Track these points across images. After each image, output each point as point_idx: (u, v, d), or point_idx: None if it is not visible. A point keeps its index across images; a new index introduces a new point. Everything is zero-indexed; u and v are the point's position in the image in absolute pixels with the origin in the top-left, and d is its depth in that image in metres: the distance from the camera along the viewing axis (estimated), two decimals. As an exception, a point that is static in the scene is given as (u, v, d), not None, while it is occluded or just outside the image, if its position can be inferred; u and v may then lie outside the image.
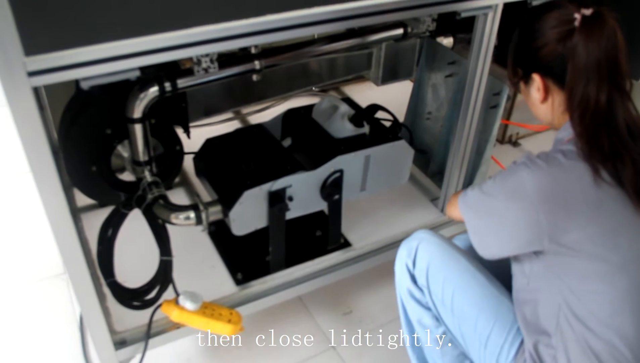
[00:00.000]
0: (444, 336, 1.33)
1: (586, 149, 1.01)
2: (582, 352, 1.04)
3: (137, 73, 1.06)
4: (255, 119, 2.34)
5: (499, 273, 1.27)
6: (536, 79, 1.11)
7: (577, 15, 1.03)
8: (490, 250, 1.14)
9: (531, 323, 1.12)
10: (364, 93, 2.58)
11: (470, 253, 1.28)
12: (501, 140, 2.34)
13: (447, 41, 1.95)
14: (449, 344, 1.34)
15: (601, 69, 1.02)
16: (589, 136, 1.02)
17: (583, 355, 1.04)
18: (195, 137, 1.70)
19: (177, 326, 1.45)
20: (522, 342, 1.16)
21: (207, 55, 1.19)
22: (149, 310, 1.41)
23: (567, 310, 1.05)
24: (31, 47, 0.94)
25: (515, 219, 1.05)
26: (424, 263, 1.30)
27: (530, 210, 1.02)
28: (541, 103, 1.14)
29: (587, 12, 1.03)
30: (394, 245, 1.75)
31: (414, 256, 1.32)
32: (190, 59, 1.17)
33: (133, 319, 1.43)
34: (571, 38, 1.03)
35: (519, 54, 1.16)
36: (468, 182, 1.86)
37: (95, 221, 1.47)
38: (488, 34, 1.51)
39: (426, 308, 1.33)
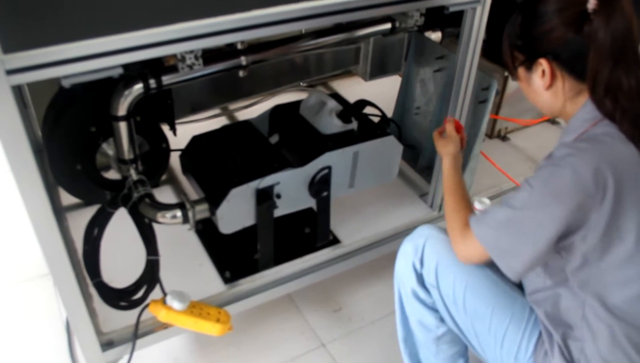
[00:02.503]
0: (443, 336, 1.32)
1: (629, 131, 0.99)
2: (612, 340, 1.03)
3: (120, 71, 1.04)
4: (242, 115, 2.33)
5: None
6: (543, 64, 1.06)
7: None
8: (523, 264, 1.04)
9: (554, 317, 1.11)
10: (352, 88, 2.56)
11: None
12: (490, 135, 2.33)
13: (436, 36, 1.94)
14: (445, 344, 1.33)
15: (626, 49, 0.98)
16: (631, 117, 0.99)
17: (613, 344, 1.03)
18: (182, 134, 1.68)
19: (165, 326, 1.43)
20: (539, 337, 1.14)
21: (191, 51, 1.17)
22: (136, 311, 1.40)
23: (593, 301, 1.04)
24: (9, 44, 0.92)
25: (568, 211, 0.98)
26: (432, 262, 1.25)
27: (591, 197, 0.96)
28: (546, 89, 1.09)
29: None
30: (384, 241, 1.74)
31: (421, 255, 1.27)
32: (174, 56, 1.15)
33: (120, 320, 1.42)
34: (588, 22, 0.98)
35: (521, 39, 1.09)
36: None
37: (81, 220, 1.45)
38: (477, 28, 1.50)
39: (430, 309, 1.30)
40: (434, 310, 1.29)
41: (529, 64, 1.09)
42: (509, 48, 1.13)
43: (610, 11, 0.97)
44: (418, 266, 1.28)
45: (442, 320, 1.30)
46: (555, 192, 0.98)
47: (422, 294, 1.29)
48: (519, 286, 1.22)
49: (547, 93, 1.09)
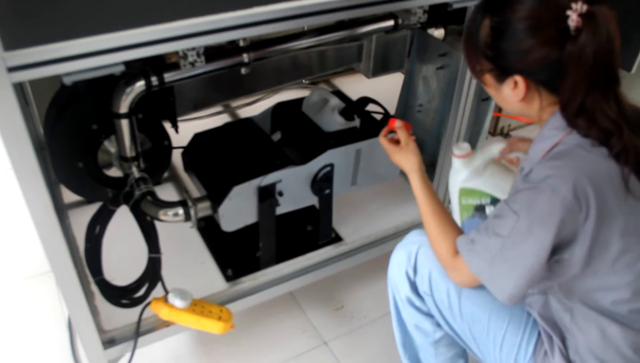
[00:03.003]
0: (441, 339, 1.31)
1: (601, 145, 0.96)
2: (604, 340, 1.03)
3: (122, 68, 1.04)
4: (244, 112, 2.32)
5: None
6: (518, 80, 1.01)
7: (571, 13, 0.92)
8: (520, 289, 1.01)
9: (548, 319, 1.10)
10: (355, 85, 2.56)
11: None
12: (493, 132, 2.33)
13: (438, 33, 1.93)
14: (444, 347, 1.32)
15: (605, 70, 0.94)
16: (602, 136, 0.95)
17: (605, 344, 1.03)
18: (184, 131, 1.68)
19: (166, 324, 1.43)
20: (538, 337, 1.13)
21: (193, 49, 1.16)
22: (138, 308, 1.40)
23: (580, 306, 1.04)
24: (10, 41, 0.91)
25: (556, 232, 0.95)
26: (425, 270, 1.23)
27: (573, 212, 0.94)
28: (519, 102, 1.04)
29: (581, 6, 0.92)
30: (386, 239, 1.74)
31: (414, 263, 1.25)
32: (176, 53, 1.15)
33: (122, 317, 1.42)
34: (570, 42, 0.93)
35: (492, 50, 1.02)
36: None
37: (82, 217, 1.44)
38: (480, 25, 1.49)
39: (426, 315, 1.28)
40: (430, 315, 1.28)
41: (500, 76, 1.04)
42: (473, 51, 1.05)
43: (595, 29, 0.92)
44: (411, 274, 1.26)
45: (438, 325, 1.29)
46: (540, 217, 0.95)
47: (417, 301, 1.28)
48: None
49: (519, 103, 1.05)
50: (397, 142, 1.31)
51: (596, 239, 0.96)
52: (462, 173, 1.34)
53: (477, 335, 1.20)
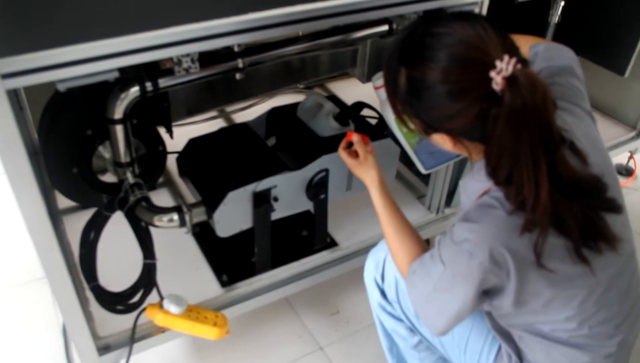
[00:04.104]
0: (419, 344, 1.32)
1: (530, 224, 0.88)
2: (549, 359, 1.04)
3: (116, 74, 1.03)
4: (239, 117, 2.32)
5: None
6: (443, 138, 0.95)
7: (494, 75, 0.81)
8: (447, 324, 1.01)
9: (501, 333, 1.11)
10: (349, 90, 2.56)
11: None
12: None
13: (433, 37, 1.93)
14: (425, 351, 1.33)
15: (535, 131, 0.83)
16: (522, 207, 0.87)
17: (551, 361, 1.04)
18: (178, 136, 1.68)
19: (161, 330, 1.43)
20: (499, 349, 1.14)
21: (188, 55, 1.16)
22: (133, 315, 1.39)
23: (523, 333, 1.05)
24: (4, 48, 0.91)
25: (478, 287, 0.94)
26: (392, 278, 1.26)
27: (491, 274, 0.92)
28: (451, 148, 0.98)
29: (505, 68, 0.81)
30: (381, 243, 1.74)
31: (382, 270, 1.28)
32: (170, 59, 1.15)
33: (117, 324, 1.41)
34: (495, 104, 0.82)
35: (414, 108, 0.93)
36: (455, 179, 1.84)
37: (77, 223, 1.44)
38: (474, 30, 1.49)
39: (399, 320, 1.30)
40: (403, 321, 1.30)
41: (425, 129, 0.97)
42: (394, 96, 0.97)
43: (518, 92, 0.80)
44: (380, 281, 1.28)
45: (412, 330, 1.30)
46: (461, 274, 0.94)
47: (388, 307, 1.30)
48: None
49: (451, 148, 0.98)
50: (356, 154, 1.31)
51: (522, 291, 0.94)
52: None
53: (444, 340, 1.22)
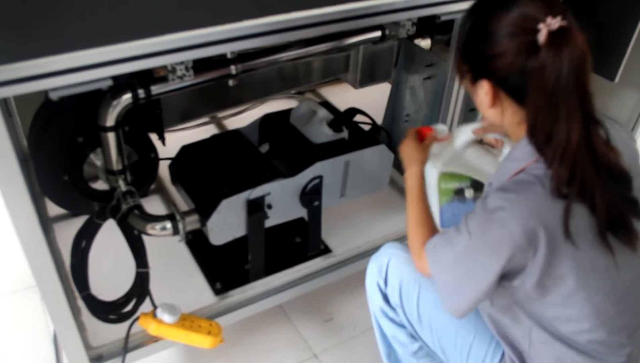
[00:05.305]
0: (419, 350, 1.31)
1: (562, 187, 0.91)
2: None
3: (109, 83, 1.02)
4: (231, 123, 2.31)
5: None
6: (485, 86, 0.99)
7: (542, 27, 0.88)
8: (467, 303, 1.01)
9: (506, 339, 1.10)
10: (342, 95, 2.56)
11: None
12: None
13: (425, 43, 1.94)
14: (424, 358, 1.32)
15: (570, 97, 0.88)
16: (565, 175, 0.90)
17: None
18: (171, 142, 1.66)
19: (155, 339, 1.42)
20: (503, 354, 1.13)
21: (182, 62, 1.15)
22: (126, 324, 1.38)
23: (539, 330, 1.03)
24: (-4, 56, 0.90)
25: (506, 261, 0.94)
26: (395, 282, 1.25)
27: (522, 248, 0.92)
28: (489, 108, 1.02)
29: (554, 24, 0.88)
30: (375, 250, 1.72)
31: (385, 275, 1.27)
32: (164, 68, 1.14)
33: (109, 333, 1.40)
34: (535, 54, 0.89)
35: (468, 51, 1.02)
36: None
37: (68, 231, 1.42)
38: (467, 36, 1.49)
39: (400, 326, 1.30)
40: (404, 327, 1.30)
41: (473, 79, 1.02)
42: (458, 52, 1.05)
43: (559, 48, 0.87)
44: (382, 286, 1.28)
45: (413, 336, 1.30)
46: (490, 244, 0.94)
47: (390, 313, 1.30)
48: None
49: (491, 110, 1.03)
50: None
51: (547, 273, 0.94)
52: (441, 157, 1.33)
53: (446, 347, 1.22)
